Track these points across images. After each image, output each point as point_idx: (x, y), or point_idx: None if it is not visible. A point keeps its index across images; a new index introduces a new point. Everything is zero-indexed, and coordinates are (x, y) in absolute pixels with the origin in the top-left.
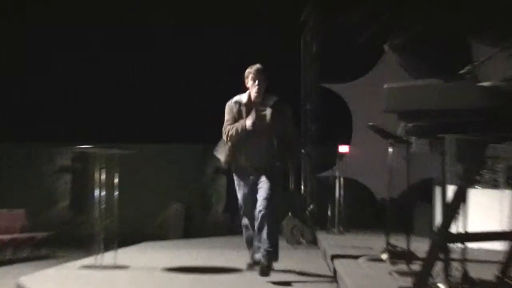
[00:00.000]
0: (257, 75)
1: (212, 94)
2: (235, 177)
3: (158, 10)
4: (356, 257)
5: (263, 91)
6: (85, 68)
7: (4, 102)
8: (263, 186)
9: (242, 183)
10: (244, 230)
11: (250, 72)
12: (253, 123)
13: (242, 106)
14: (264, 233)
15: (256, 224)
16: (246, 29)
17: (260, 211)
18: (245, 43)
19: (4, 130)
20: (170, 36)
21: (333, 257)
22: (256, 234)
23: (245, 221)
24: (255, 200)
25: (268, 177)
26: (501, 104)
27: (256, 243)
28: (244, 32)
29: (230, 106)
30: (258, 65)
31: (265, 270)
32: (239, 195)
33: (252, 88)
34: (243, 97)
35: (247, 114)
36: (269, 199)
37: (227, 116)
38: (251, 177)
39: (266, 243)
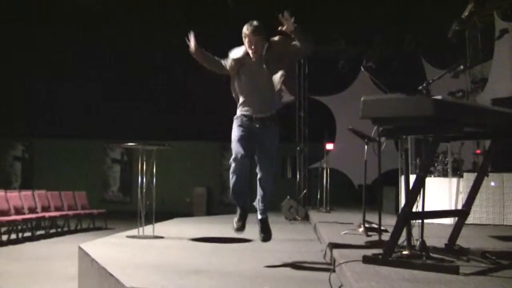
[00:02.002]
0: (253, 37)
1: (225, 101)
2: (236, 123)
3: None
4: (339, 230)
5: (260, 51)
6: (133, 80)
7: (70, 109)
8: (265, 160)
9: (242, 128)
10: (231, 176)
11: (246, 34)
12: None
13: (240, 58)
14: (264, 198)
15: (260, 192)
16: None
17: (263, 186)
18: None
19: (70, 130)
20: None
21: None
22: (259, 197)
23: (235, 166)
24: (250, 153)
25: (268, 151)
26: (448, 112)
27: (257, 202)
28: None
29: (232, 52)
30: (254, 25)
31: (266, 238)
32: (235, 136)
33: (249, 49)
34: (241, 50)
35: (242, 66)
36: (269, 176)
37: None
38: (252, 126)
39: (262, 206)
